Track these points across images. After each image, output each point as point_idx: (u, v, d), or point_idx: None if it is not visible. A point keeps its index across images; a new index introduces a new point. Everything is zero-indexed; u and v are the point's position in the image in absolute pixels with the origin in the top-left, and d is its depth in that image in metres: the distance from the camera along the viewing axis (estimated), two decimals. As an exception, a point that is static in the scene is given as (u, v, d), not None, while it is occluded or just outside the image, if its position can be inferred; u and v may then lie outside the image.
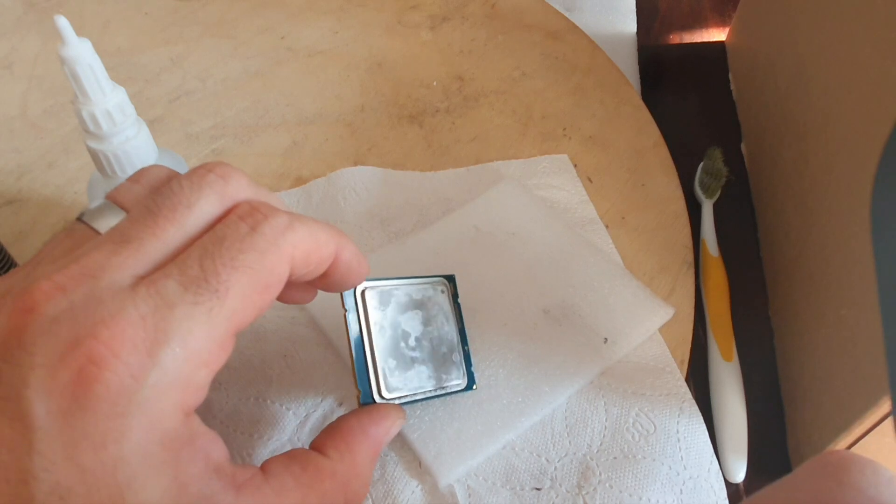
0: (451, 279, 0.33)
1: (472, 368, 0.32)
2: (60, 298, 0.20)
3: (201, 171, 0.23)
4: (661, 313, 0.36)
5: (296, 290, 0.27)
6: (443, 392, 0.31)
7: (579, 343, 0.34)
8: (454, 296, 0.33)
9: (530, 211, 0.40)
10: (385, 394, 0.29)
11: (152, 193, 0.22)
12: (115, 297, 0.20)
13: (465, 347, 0.32)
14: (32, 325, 0.19)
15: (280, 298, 0.27)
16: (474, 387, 0.32)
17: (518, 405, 0.32)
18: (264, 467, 0.24)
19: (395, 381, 0.29)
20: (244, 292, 0.21)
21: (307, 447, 0.26)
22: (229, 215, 0.22)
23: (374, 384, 0.29)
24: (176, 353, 0.20)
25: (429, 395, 0.30)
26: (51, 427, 0.19)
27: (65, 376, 0.19)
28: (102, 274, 0.20)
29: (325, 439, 0.26)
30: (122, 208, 0.23)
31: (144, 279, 0.21)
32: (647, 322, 0.35)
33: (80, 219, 0.23)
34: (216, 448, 0.22)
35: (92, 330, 0.19)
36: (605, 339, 0.34)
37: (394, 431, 0.28)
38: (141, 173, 0.24)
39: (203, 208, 0.22)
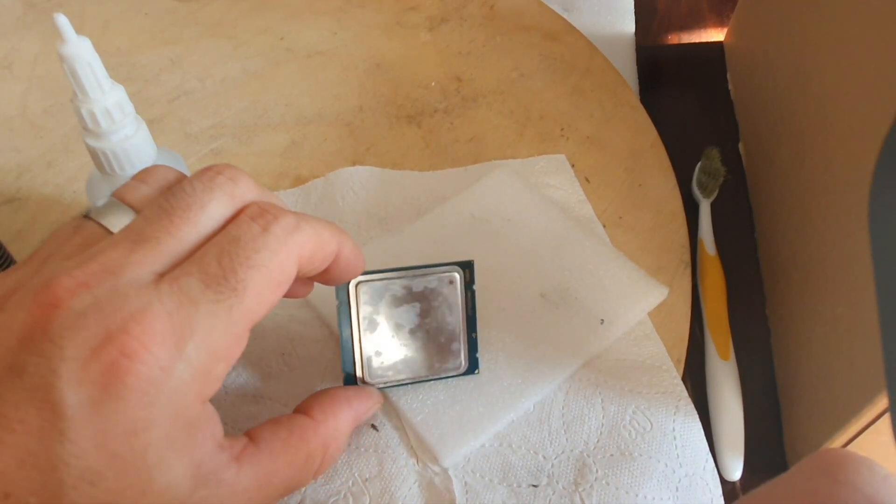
0: (467, 265, 0.32)
1: (477, 354, 0.33)
2: (85, 294, 0.20)
3: (210, 174, 0.24)
4: (655, 293, 0.37)
5: (296, 284, 0.28)
6: (434, 377, 0.32)
7: (576, 325, 0.35)
8: (469, 282, 0.32)
9: (525, 198, 0.40)
10: (368, 380, 0.31)
11: (164, 194, 0.23)
12: (139, 293, 0.21)
13: (473, 334, 0.32)
14: (58, 319, 0.20)
15: None
16: (476, 371, 0.32)
17: (518, 386, 0.33)
18: (252, 436, 0.25)
19: (381, 369, 0.31)
20: (259, 290, 0.22)
21: None
22: (240, 216, 0.23)
23: (359, 369, 0.31)
24: (199, 348, 0.21)
25: (417, 380, 0.32)
26: (81, 416, 0.19)
27: (97, 368, 0.20)
28: (123, 271, 0.21)
29: (313, 402, 0.28)
30: (130, 207, 0.24)
31: (166, 276, 0.22)
32: (642, 303, 0.36)
33: (87, 216, 0.23)
34: (217, 426, 0.23)
35: (123, 325, 0.20)
36: (602, 320, 0.35)
37: (371, 412, 0.30)
38: (147, 173, 0.24)
39: (215, 209, 0.23)
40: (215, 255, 0.22)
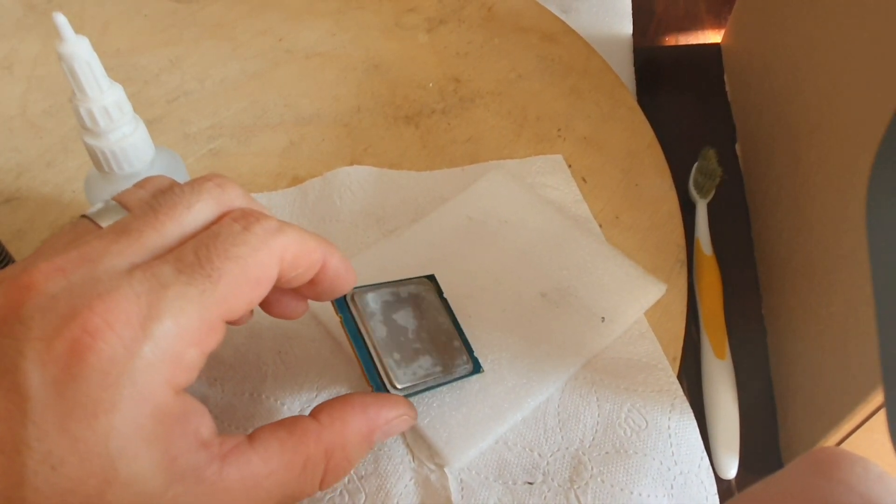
0: (431, 278, 0.34)
1: (475, 355, 0.33)
2: (59, 278, 0.21)
3: (201, 180, 0.24)
4: (654, 290, 0.37)
5: (287, 299, 0.28)
6: (452, 377, 0.31)
7: (578, 323, 0.35)
8: (439, 293, 0.34)
9: (520, 198, 0.40)
10: (397, 384, 0.30)
11: (155, 194, 0.24)
12: (112, 278, 0.21)
13: (463, 337, 0.33)
14: (31, 301, 0.20)
15: (272, 313, 0.28)
16: (481, 370, 0.32)
17: (523, 386, 0.33)
18: (253, 435, 0.24)
19: (403, 373, 0.30)
20: (235, 281, 0.22)
21: None
22: (224, 218, 0.24)
23: (385, 377, 0.30)
24: (168, 329, 0.21)
25: (440, 381, 0.31)
26: (45, 397, 0.19)
27: (60, 346, 0.19)
28: (101, 259, 0.21)
29: (323, 406, 0.27)
30: (126, 209, 0.24)
31: (141, 265, 0.22)
32: (642, 299, 0.36)
33: (84, 216, 0.24)
34: (204, 422, 0.23)
35: (88, 303, 0.20)
36: (603, 318, 0.35)
37: (397, 424, 0.28)
38: (146, 180, 0.25)
39: (201, 210, 0.23)
40: (193, 247, 0.22)
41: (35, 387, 0.19)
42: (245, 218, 0.23)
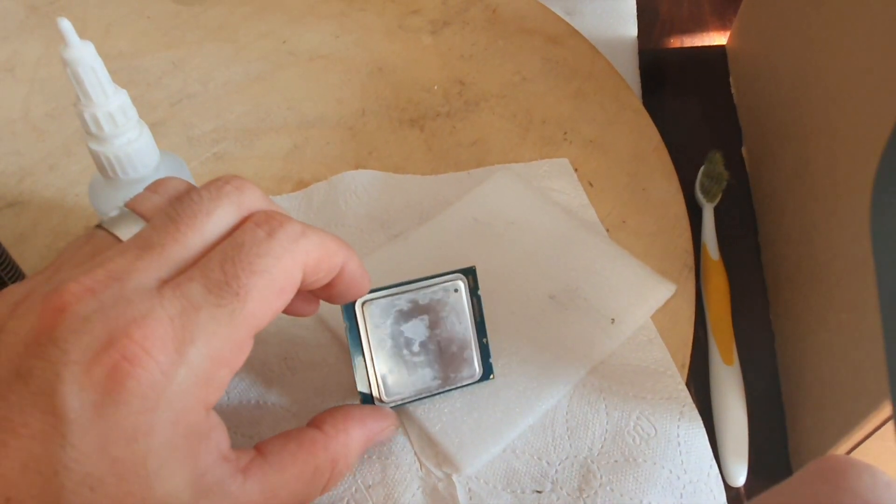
0: (470, 272, 0.32)
1: (491, 360, 0.32)
2: (90, 299, 0.21)
3: (218, 183, 0.24)
4: (662, 290, 0.37)
5: (301, 300, 0.28)
6: (450, 388, 0.32)
7: (587, 326, 0.35)
8: (474, 288, 0.32)
9: (527, 199, 0.40)
10: (385, 398, 0.31)
11: (172, 203, 0.24)
12: (143, 299, 0.21)
13: (484, 340, 0.32)
14: (64, 323, 0.20)
15: (285, 311, 0.28)
16: (491, 377, 0.32)
17: (534, 390, 0.33)
18: (260, 449, 0.25)
19: (396, 386, 0.31)
20: (262, 295, 0.22)
21: None
22: (246, 222, 0.23)
23: (375, 389, 0.30)
24: (201, 353, 0.21)
25: (433, 392, 0.31)
26: (84, 420, 0.20)
27: (99, 372, 0.20)
28: (128, 277, 0.21)
29: (326, 417, 0.28)
30: (141, 217, 0.24)
31: (169, 282, 0.22)
32: (651, 300, 0.36)
33: (99, 226, 0.24)
34: (224, 436, 0.23)
35: (125, 329, 0.20)
36: (612, 319, 0.35)
37: (385, 434, 0.30)
38: (158, 184, 0.25)
39: (221, 216, 0.23)
40: (219, 261, 0.22)
41: (74, 409, 0.19)
42: (268, 223, 0.23)
